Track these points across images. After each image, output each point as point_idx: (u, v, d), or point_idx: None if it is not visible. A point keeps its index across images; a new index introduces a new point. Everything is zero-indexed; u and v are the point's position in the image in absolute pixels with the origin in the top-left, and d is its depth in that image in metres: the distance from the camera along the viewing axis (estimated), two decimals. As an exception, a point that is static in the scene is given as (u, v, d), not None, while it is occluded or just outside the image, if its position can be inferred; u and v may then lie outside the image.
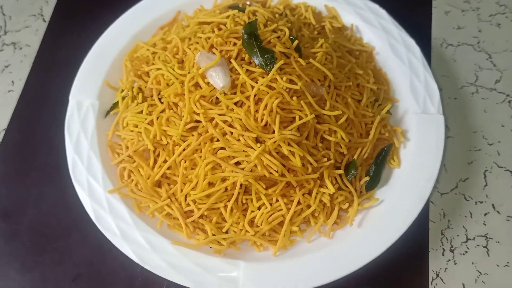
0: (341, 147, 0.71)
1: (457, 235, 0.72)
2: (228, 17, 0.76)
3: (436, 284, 0.69)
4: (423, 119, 0.74)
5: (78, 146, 0.74)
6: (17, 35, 0.93)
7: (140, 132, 0.71)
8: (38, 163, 0.80)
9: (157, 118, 0.71)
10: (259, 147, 0.65)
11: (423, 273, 0.70)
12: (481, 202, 0.75)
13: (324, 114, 0.70)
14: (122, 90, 0.78)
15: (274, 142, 0.66)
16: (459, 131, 0.80)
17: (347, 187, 0.70)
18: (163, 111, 0.71)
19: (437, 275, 0.70)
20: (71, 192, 0.71)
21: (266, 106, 0.66)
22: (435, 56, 0.86)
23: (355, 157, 0.71)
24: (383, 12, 0.83)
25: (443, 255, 0.71)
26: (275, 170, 0.66)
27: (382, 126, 0.75)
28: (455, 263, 0.71)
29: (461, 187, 0.76)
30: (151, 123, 0.71)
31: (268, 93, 0.67)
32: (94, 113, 0.77)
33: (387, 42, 0.81)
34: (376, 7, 0.84)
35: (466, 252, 0.71)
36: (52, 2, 0.96)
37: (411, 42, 0.80)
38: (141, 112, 0.73)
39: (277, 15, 0.78)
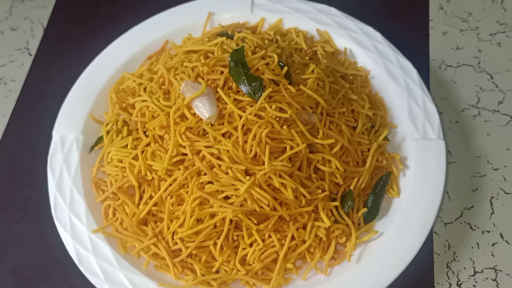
0: (336, 177, 0.67)
1: (464, 268, 0.68)
2: (216, 44, 0.74)
3: (443, 322, 0.64)
4: (423, 145, 0.70)
5: (61, 183, 0.71)
6: (1, 70, 0.90)
7: (125, 168, 0.68)
8: (21, 201, 0.77)
9: (142, 152, 0.67)
10: (248, 180, 0.62)
11: (429, 310, 0.65)
12: (488, 232, 0.70)
13: (317, 143, 0.66)
14: (107, 124, 0.74)
15: (265, 174, 0.62)
16: (462, 156, 0.76)
17: (344, 219, 0.66)
18: (148, 144, 0.68)
19: (444, 312, 0.65)
20: (53, 231, 0.68)
21: (255, 136, 0.63)
22: (434, 78, 0.82)
23: (351, 187, 0.68)
24: (377, 35, 0.80)
25: (449, 290, 0.67)
26: (266, 204, 0.62)
27: (380, 154, 0.71)
28: (463, 299, 0.66)
29: (466, 216, 0.71)
30: (136, 157, 0.68)
31: (257, 122, 0.63)
32: (78, 148, 0.73)
33: (382, 66, 0.77)
34: (370, 29, 0.80)
35: (474, 286, 0.66)
36: (38, 36, 0.93)
37: (408, 64, 0.76)
38: (126, 146, 0.70)
39: (267, 41, 0.75)
